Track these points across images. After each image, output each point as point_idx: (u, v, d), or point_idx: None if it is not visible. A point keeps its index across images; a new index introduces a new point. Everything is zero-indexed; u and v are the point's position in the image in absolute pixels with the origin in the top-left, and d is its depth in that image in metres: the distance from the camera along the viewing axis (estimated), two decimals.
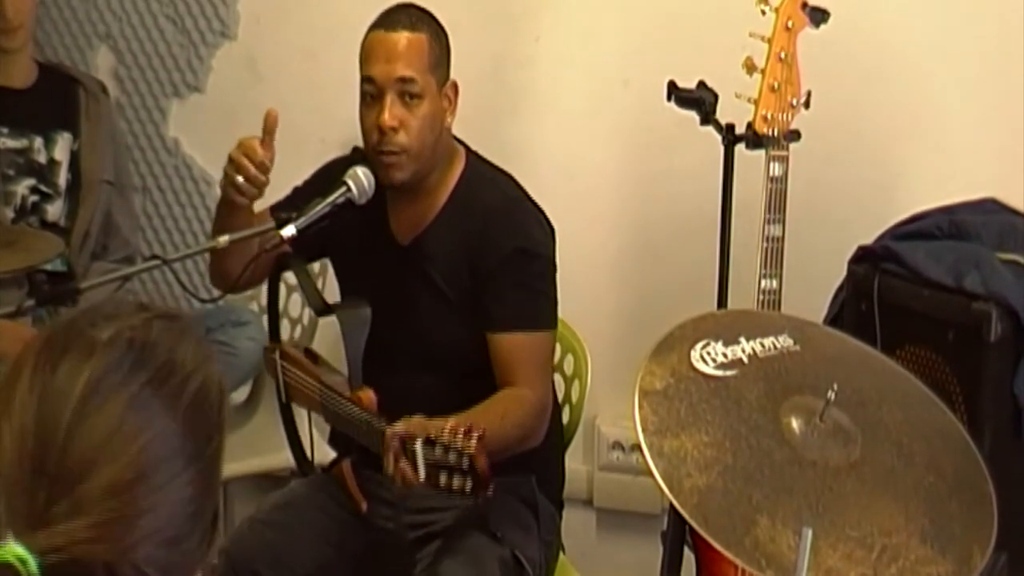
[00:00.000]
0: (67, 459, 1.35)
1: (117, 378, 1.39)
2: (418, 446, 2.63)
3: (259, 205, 3.09)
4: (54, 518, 1.34)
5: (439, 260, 3.05)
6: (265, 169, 2.98)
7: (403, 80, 2.96)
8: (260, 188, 3.00)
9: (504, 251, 3.01)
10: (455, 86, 3.06)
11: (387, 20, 3.01)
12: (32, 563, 1.33)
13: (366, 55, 3.01)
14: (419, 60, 2.97)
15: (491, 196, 3.07)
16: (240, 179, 2.98)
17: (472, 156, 3.14)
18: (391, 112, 2.96)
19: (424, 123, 2.97)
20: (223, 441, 1.50)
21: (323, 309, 3.14)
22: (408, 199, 3.08)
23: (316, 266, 3.56)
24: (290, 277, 3.38)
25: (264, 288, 3.61)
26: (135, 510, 1.36)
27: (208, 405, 1.47)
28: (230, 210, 3.05)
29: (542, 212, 3.10)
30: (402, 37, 2.98)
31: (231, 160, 2.99)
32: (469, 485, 2.58)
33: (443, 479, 2.61)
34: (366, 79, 3.00)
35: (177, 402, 1.42)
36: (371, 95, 3.00)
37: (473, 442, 2.57)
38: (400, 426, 2.68)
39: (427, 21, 3.03)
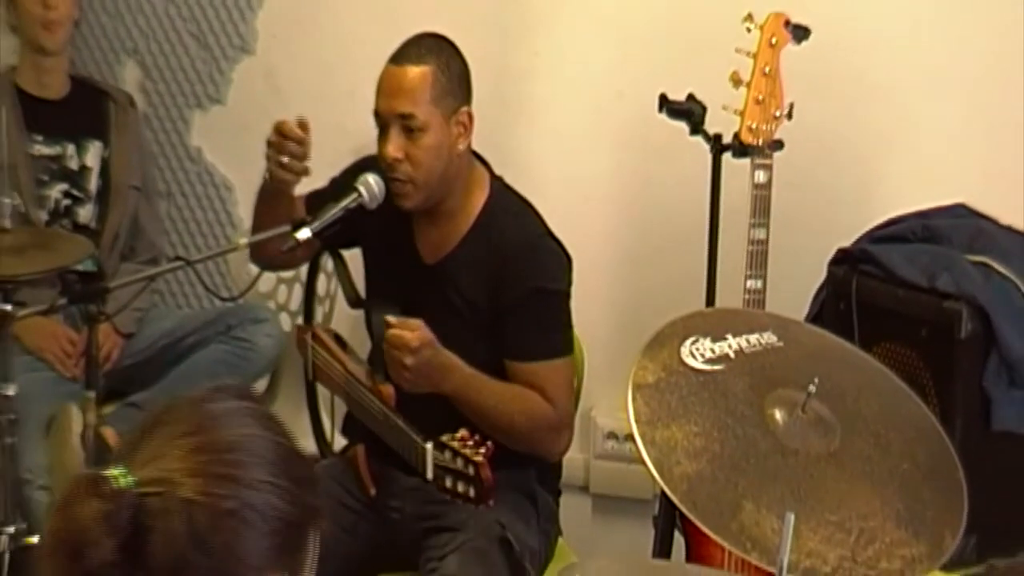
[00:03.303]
0: None
1: None
2: (429, 449, 2.62)
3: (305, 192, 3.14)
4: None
5: (461, 283, 3.03)
6: (304, 142, 2.99)
7: (403, 116, 2.94)
8: (303, 161, 3.01)
9: (523, 290, 2.98)
10: (469, 114, 3.02)
11: (398, 54, 2.99)
12: (128, 478, 1.32)
13: (377, 88, 2.99)
14: (421, 95, 2.94)
15: (514, 232, 3.03)
16: (284, 158, 3.00)
17: (496, 183, 3.10)
18: (394, 144, 2.95)
19: (429, 153, 2.95)
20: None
21: (356, 302, 3.15)
22: (430, 220, 3.06)
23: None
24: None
25: (279, 287, 3.64)
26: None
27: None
28: (273, 196, 3.07)
29: (560, 244, 3.07)
30: (406, 72, 2.95)
31: (271, 144, 3.01)
32: (472, 492, 2.57)
33: (449, 482, 2.60)
34: (375, 112, 2.99)
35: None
36: (380, 127, 2.99)
37: (481, 452, 2.56)
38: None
39: (437, 53, 2.99)
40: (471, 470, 2.56)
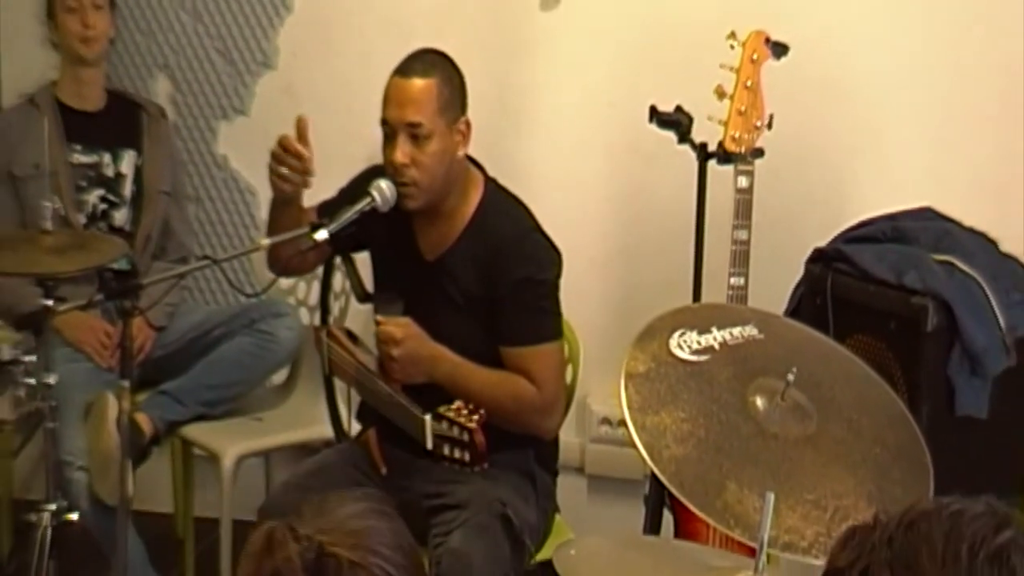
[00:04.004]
0: None
1: None
2: (428, 420, 2.64)
3: (322, 196, 3.12)
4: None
5: (458, 277, 3.03)
6: (301, 156, 2.98)
7: (411, 124, 2.93)
8: (302, 176, 3.00)
9: (514, 279, 2.98)
10: (467, 123, 3.01)
11: (404, 67, 2.98)
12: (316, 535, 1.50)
13: (385, 99, 2.98)
14: (428, 105, 2.93)
15: (506, 227, 3.03)
16: (284, 170, 3.00)
17: (490, 184, 3.10)
18: (402, 151, 2.94)
19: (433, 159, 2.94)
20: None
21: (364, 297, 3.16)
22: (429, 220, 3.06)
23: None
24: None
25: (298, 284, 3.63)
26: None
27: None
28: (281, 206, 3.07)
29: (548, 239, 3.06)
30: (413, 84, 2.94)
31: (273, 156, 3.00)
32: (467, 456, 2.60)
33: (447, 449, 2.62)
34: (383, 120, 2.98)
35: None
36: (387, 134, 2.98)
37: (475, 419, 2.59)
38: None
39: (440, 67, 2.99)
40: (465, 436, 2.59)
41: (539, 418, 3.03)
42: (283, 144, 2.99)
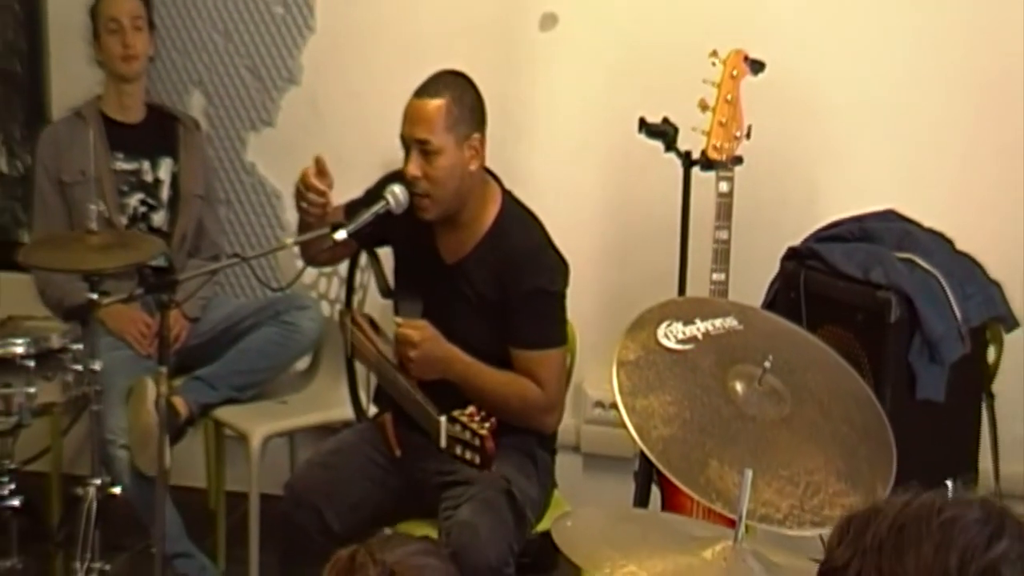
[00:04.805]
0: None
1: None
2: (443, 421, 2.62)
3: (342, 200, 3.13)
4: None
5: (475, 281, 3.01)
6: (319, 192, 2.98)
7: (420, 141, 2.92)
8: (321, 208, 3.00)
9: (527, 288, 2.96)
10: (481, 139, 2.98)
11: (421, 88, 2.96)
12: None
13: (403, 117, 2.97)
14: (436, 124, 2.91)
15: (522, 239, 3.01)
16: (303, 204, 3.00)
17: (507, 197, 3.07)
18: (414, 165, 2.93)
19: (443, 173, 2.92)
20: None
21: (386, 292, 3.15)
22: (450, 227, 3.04)
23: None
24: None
25: (320, 279, 3.62)
26: None
27: None
28: (306, 228, 3.06)
29: (559, 253, 3.04)
30: (424, 105, 2.93)
31: (297, 190, 3.01)
32: (477, 459, 2.57)
33: (458, 450, 2.60)
34: (400, 136, 2.98)
35: None
36: (404, 148, 2.98)
37: (486, 426, 2.56)
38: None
39: (453, 87, 2.96)
40: (477, 441, 2.56)
41: (541, 416, 3.03)
42: (304, 182, 2.99)
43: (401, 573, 1.60)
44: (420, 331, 2.93)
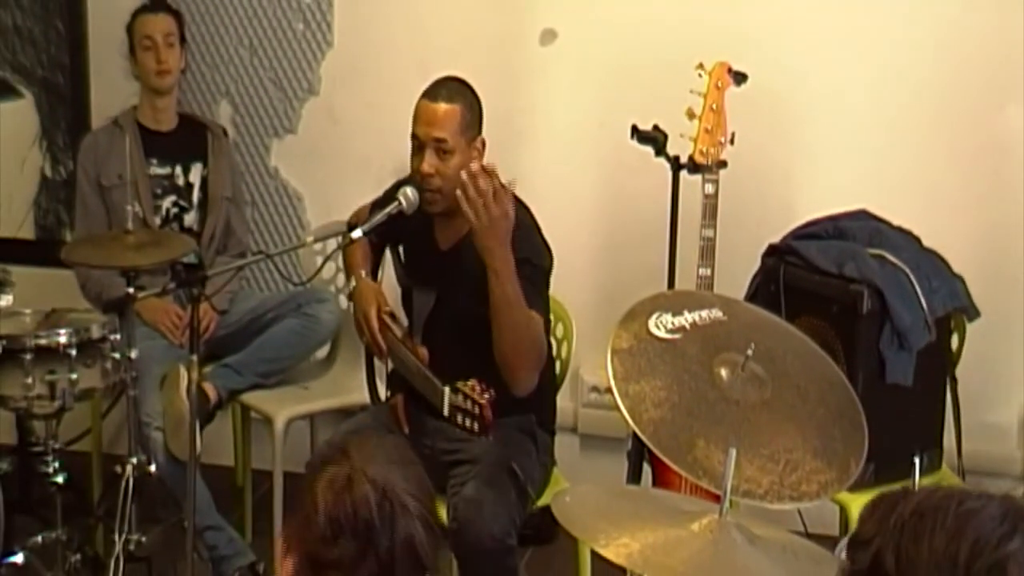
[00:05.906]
0: None
1: None
2: (447, 391, 2.63)
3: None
4: None
5: (468, 261, 2.99)
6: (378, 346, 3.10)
7: (438, 140, 2.92)
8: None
9: (515, 258, 2.94)
10: (483, 141, 3.00)
11: (432, 91, 2.97)
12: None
13: (415, 117, 2.97)
14: (452, 125, 2.92)
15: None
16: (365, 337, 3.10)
17: None
18: (428, 162, 2.93)
19: (454, 171, 2.90)
20: None
21: (405, 283, 3.15)
22: (447, 218, 3.03)
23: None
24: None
25: (338, 275, 3.60)
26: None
27: None
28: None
29: (544, 240, 3.03)
30: (440, 107, 2.93)
31: (359, 323, 3.11)
32: (476, 427, 2.58)
33: (460, 418, 2.61)
34: (413, 135, 2.97)
35: None
36: (416, 147, 2.97)
37: (486, 396, 2.57)
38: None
39: (463, 93, 2.97)
40: (477, 410, 2.57)
41: (534, 373, 2.94)
42: (371, 338, 3.07)
43: (391, 494, 1.64)
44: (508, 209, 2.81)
